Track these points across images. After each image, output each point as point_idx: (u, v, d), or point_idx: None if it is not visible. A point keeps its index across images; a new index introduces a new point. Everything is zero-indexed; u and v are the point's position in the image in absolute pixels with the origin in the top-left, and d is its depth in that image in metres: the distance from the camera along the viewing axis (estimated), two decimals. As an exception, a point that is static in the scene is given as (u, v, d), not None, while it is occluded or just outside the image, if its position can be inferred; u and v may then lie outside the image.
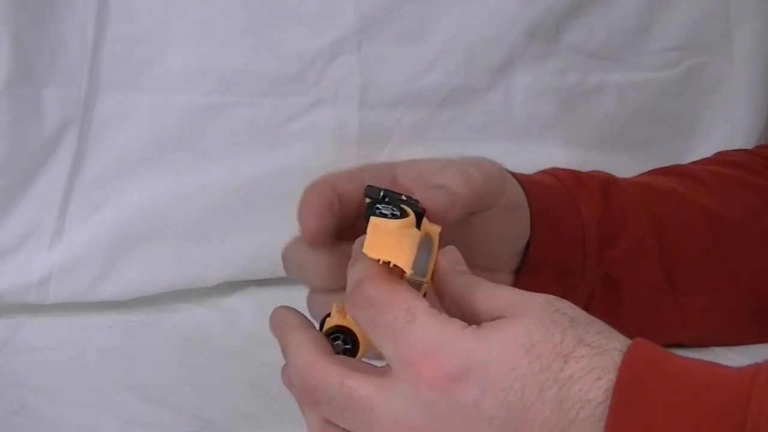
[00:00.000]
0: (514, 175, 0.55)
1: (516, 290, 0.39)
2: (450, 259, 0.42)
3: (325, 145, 0.78)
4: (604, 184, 0.60)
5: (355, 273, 0.39)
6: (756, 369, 0.33)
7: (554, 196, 0.57)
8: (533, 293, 0.38)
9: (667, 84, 0.88)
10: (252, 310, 0.75)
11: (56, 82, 0.73)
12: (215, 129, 0.77)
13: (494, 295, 0.38)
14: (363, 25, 0.79)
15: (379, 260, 0.39)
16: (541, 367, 0.34)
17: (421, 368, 0.35)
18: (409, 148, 0.81)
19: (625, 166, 0.87)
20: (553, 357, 0.34)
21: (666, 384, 0.33)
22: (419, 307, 0.37)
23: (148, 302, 0.75)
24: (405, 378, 0.36)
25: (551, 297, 0.38)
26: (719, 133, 0.89)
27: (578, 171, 0.62)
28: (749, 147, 0.83)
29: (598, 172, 0.63)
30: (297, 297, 0.53)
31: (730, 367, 0.34)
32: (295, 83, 0.77)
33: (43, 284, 0.72)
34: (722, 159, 0.70)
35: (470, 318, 0.38)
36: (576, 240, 0.57)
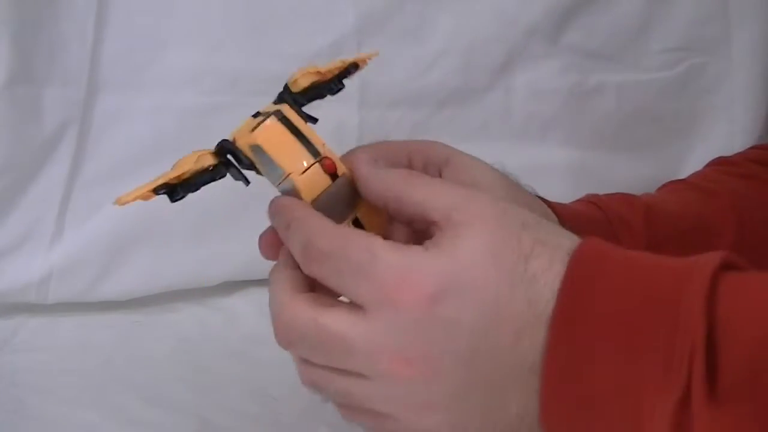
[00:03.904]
0: (555, 207, 0.54)
1: (456, 186, 0.40)
2: (368, 158, 0.42)
3: (324, 145, 0.78)
4: (644, 214, 0.59)
5: (297, 237, 0.39)
6: (697, 257, 0.35)
7: (597, 234, 0.56)
8: (475, 191, 0.39)
9: (667, 84, 0.88)
10: (252, 310, 0.75)
11: (56, 82, 0.73)
12: (215, 129, 0.76)
13: (438, 191, 0.39)
14: (363, 25, 0.79)
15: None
16: (509, 269, 0.36)
17: (399, 296, 0.36)
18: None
19: (625, 166, 0.87)
20: (515, 260, 0.36)
21: (612, 269, 0.36)
22: (376, 243, 0.37)
23: (148, 302, 0.75)
24: (383, 310, 0.36)
25: (493, 196, 0.39)
26: (719, 133, 0.89)
27: (620, 199, 0.60)
28: (749, 146, 0.83)
29: (633, 197, 0.61)
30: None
31: (675, 258, 0.36)
32: (295, 83, 0.77)
33: (43, 284, 0.72)
34: (731, 171, 0.69)
35: (414, 214, 0.39)
36: None
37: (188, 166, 0.41)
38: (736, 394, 0.32)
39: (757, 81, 0.89)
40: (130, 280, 0.75)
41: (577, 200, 0.60)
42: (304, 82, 0.45)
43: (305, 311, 0.38)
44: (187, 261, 0.76)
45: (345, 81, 0.47)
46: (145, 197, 0.40)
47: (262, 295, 0.76)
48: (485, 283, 0.36)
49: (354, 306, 0.37)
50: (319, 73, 0.45)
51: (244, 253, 0.77)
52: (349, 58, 0.46)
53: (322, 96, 0.46)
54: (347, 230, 0.39)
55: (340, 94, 0.47)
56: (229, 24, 0.77)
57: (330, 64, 0.46)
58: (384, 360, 0.37)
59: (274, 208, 0.42)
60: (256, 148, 0.41)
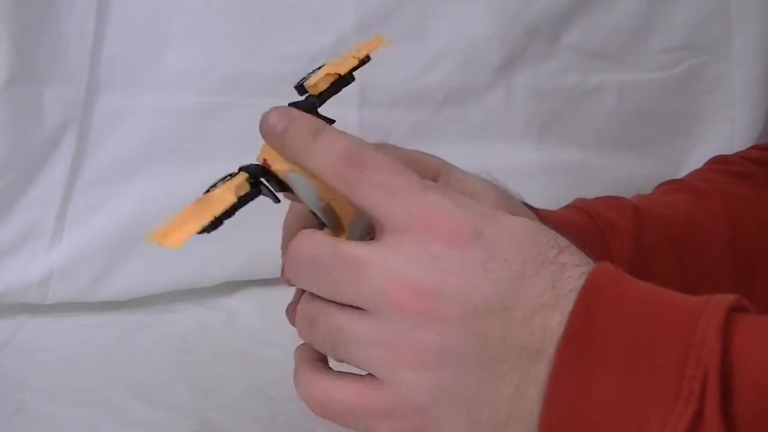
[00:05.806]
0: (542, 213, 0.54)
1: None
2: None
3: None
4: (635, 218, 0.58)
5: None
6: (709, 296, 0.36)
7: (585, 241, 0.56)
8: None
9: (667, 84, 0.88)
10: (252, 310, 0.75)
11: (56, 82, 0.73)
12: (215, 129, 0.77)
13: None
14: (363, 25, 0.79)
15: None
16: (539, 251, 0.37)
17: (439, 225, 0.37)
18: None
19: (625, 166, 0.87)
20: (549, 246, 0.38)
21: (627, 297, 0.36)
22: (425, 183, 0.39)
23: (148, 302, 0.75)
24: (412, 235, 0.37)
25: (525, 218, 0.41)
26: (719, 133, 0.89)
27: (610, 203, 0.60)
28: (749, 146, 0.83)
29: (623, 201, 0.61)
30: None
31: (686, 295, 0.37)
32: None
33: (43, 284, 0.72)
34: (725, 169, 0.68)
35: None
36: None
37: (228, 201, 0.42)
38: (752, 424, 0.32)
39: (757, 81, 0.89)
40: (130, 280, 0.75)
41: (566, 206, 0.59)
42: (323, 85, 0.45)
43: (326, 239, 0.39)
44: (187, 261, 0.76)
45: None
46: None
47: (262, 295, 0.77)
48: (516, 254, 0.37)
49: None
50: (338, 74, 0.45)
51: (244, 253, 0.77)
52: (361, 51, 0.46)
53: (337, 92, 0.46)
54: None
55: (340, 94, 0.47)
56: (229, 24, 0.77)
57: (344, 63, 0.46)
58: (393, 287, 0.36)
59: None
60: (295, 176, 0.42)
